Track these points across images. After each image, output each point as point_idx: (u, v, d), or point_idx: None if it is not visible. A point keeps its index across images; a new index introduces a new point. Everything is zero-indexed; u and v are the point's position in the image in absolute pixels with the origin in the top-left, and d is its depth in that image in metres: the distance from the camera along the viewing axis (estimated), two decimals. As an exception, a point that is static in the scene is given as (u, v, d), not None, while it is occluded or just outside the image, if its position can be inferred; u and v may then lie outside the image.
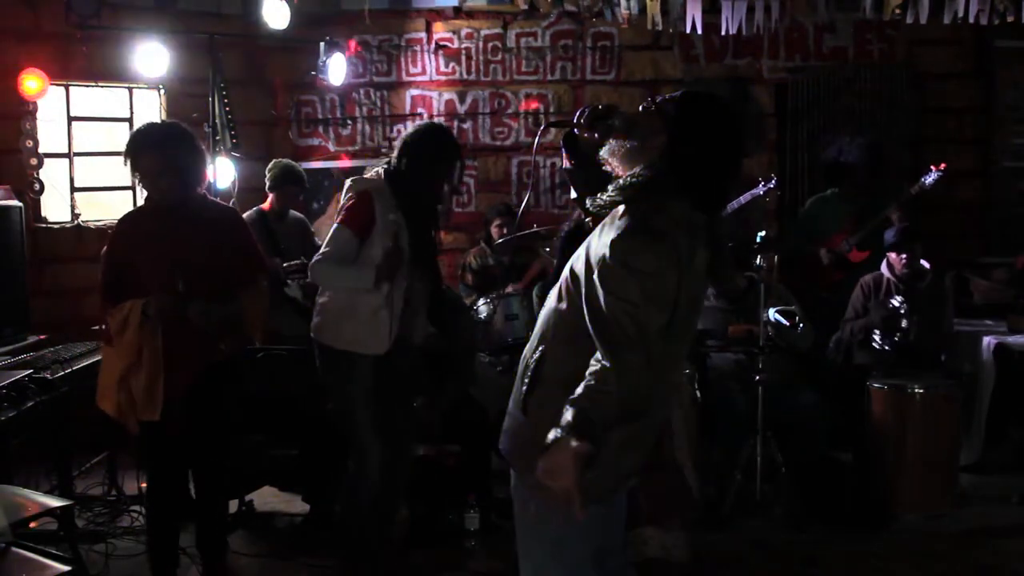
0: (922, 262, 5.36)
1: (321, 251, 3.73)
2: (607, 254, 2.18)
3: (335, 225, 3.74)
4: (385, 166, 3.84)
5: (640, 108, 2.38)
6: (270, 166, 5.70)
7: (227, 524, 4.19)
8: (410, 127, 3.98)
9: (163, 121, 3.87)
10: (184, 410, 3.65)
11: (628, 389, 2.12)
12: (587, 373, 2.15)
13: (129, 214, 3.86)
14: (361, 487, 3.85)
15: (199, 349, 3.67)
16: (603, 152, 2.39)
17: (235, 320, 3.77)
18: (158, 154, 3.62)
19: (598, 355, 2.17)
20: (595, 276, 2.21)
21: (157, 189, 3.66)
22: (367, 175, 3.90)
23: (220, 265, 3.74)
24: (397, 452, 3.95)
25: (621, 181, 2.31)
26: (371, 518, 3.88)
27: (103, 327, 3.69)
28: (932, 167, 5.53)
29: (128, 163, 3.68)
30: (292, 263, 5.31)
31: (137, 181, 3.70)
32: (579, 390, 2.13)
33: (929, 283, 5.34)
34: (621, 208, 2.33)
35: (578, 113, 2.52)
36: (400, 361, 3.83)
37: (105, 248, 3.73)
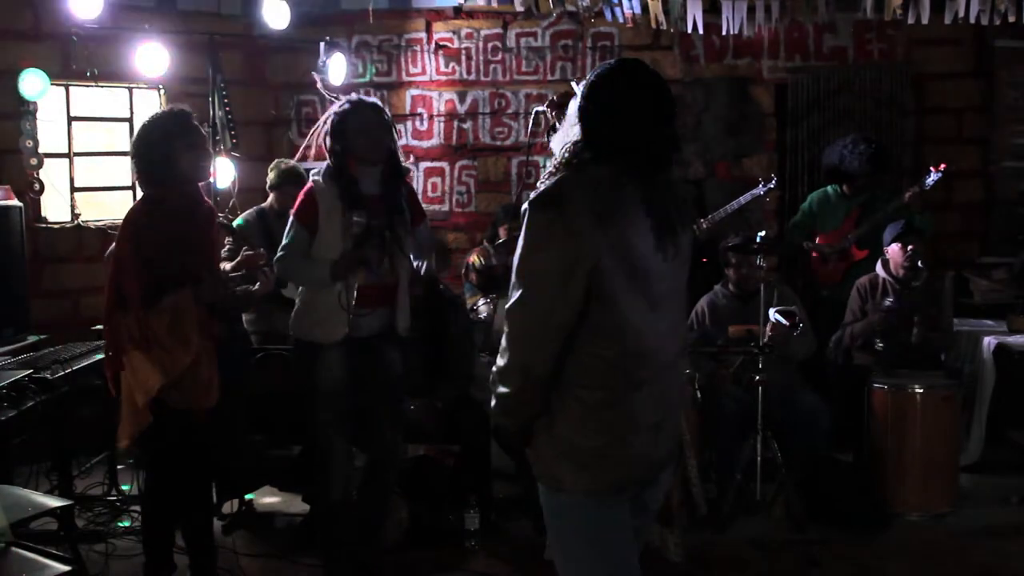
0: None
1: (281, 246, 3.86)
2: None
3: (290, 219, 3.88)
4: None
5: None
6: (272, 166, 5.68)
7: (211, 519, 4.08)
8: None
9: (172, 107, 3.80)
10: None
11: (515, 328, 2.24)
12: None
13: (140, 212, 3.62)
14: (327, 487, 3.89)
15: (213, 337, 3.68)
16: (551, 142, 2.44)
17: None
18: (198, 136, 3.62)
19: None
20: None
21: (199, 173, 3.65)
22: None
23: (213, 256, 3.76)
24: (380, 453, 3.96)
25: (551, 162, 2.37)
26: (342, 517, 3.91)
27: (131, 335, 3.45)
28: (932, 168, 5.53)
29: (159, 150, 3.54)
30: None
31: (166, 164, 3.54)
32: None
33: (924, 282, 5.33)
34: None
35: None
36: (367, 356, 3.83)
37: (126, 251, 3.49)
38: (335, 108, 3.83)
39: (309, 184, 3.85)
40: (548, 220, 2.19)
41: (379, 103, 3.92)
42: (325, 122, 3.82)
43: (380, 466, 3.98)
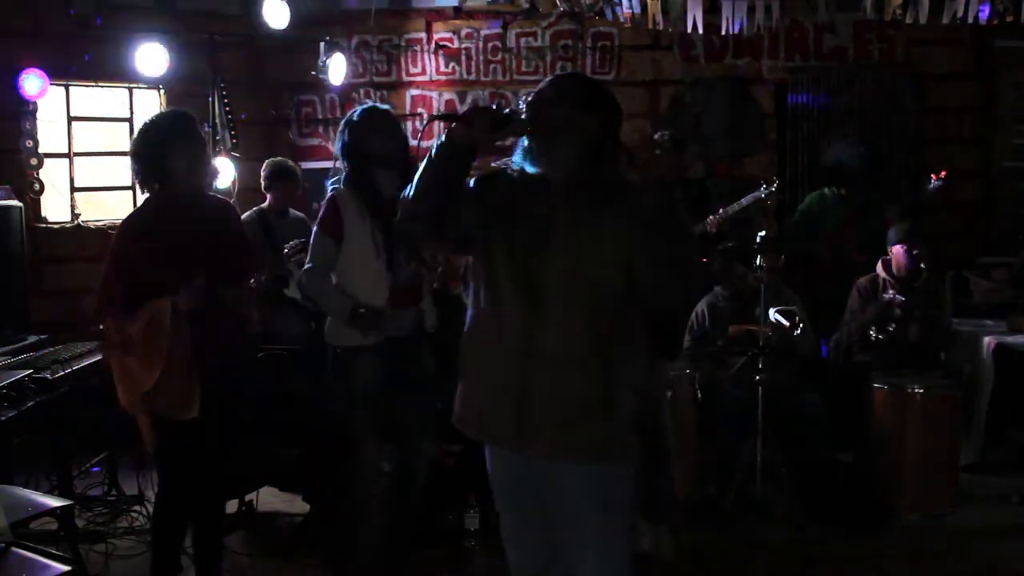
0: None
1: (308, 259, 3.84)
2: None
3: (314, 230, 3.86)
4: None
5: (530, 106, 2.50)
6: (264, 166, 5.68)
7: (223, 527, 4.12)
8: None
9: (175, 109, 3.77)
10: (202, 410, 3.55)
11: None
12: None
13: (135, 215, 3.69)
14: (360, 488, 3.88)
15: (217, 347, 3.58)
16: (542, 158, 2.52)
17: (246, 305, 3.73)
18: (196, 140, 3.59)
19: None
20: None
21: (195, 178, 3.60)
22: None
23: (223, 258, 3.67)
24: (408, 452, 3.97)
25: (565, 163, 2.48)
26: (372, 518, 3.89)
27: (112, 338, 3.49)
28: (933, 176, 5.56)
29: (156, 152, 3.52)
30: (293, 243, 5.07)
31: (159, 172, 3.53)
32: None
33: (925, 282, 5.33)
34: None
35: (469, 113, 2.45)
36: (403, 358, 3.83)
37: (114, 254, 3.53)
38: (348, 116, 3.85)
39: (331, 193, 3.84)
40: None
41: (390, 109, 3.97)
42: (341, 131, 3.84)
43: (409, 467, 3.98)
